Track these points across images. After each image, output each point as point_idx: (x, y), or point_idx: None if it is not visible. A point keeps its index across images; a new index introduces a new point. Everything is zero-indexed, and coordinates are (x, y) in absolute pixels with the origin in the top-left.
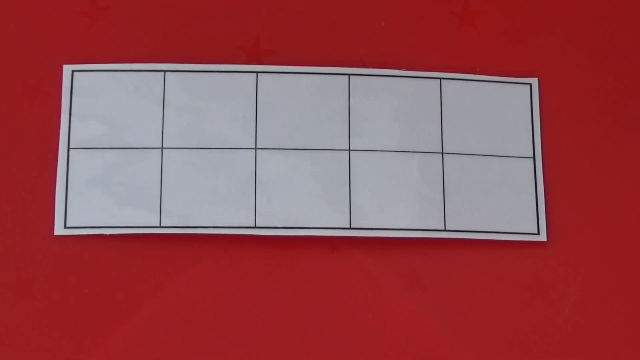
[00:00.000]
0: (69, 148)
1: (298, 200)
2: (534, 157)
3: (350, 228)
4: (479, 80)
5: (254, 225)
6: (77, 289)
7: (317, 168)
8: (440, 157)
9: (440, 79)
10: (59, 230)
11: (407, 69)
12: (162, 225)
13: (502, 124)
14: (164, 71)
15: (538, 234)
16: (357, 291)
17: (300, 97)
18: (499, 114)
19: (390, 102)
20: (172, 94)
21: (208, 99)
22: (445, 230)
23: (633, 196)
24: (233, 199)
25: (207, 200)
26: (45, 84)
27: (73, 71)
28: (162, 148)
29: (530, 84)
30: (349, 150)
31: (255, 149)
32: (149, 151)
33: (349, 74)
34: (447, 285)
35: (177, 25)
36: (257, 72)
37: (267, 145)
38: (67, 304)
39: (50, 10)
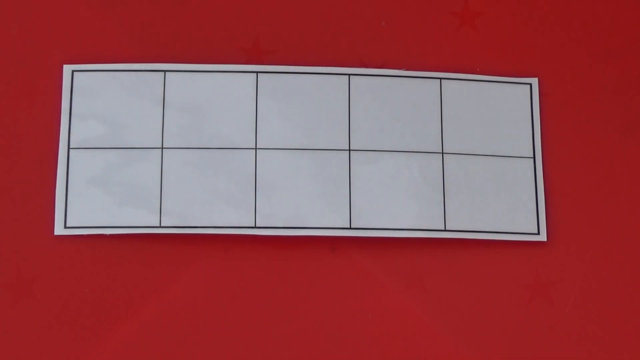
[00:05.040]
0: (69, 148)
1: (298, 200)
2: (534, 157)
3: (350, 228)
4: (479, 80)
5: (254, 225)
6: (77, 289)
7: (317, 168)
8: (440, 157)
9: (440, 79)
10: (59, 230)
11: (407, 69)
12: (162, 225)
13: (502, 124)
14: (164, 71)
15: (538, 234)
16: (357, 291)
17: (300, 97)
18: (499, 114)
19: (390, 102)
20: (172, 94)
21: (208, 99)
22: (445, 230)
23: (633, 196)
24: (233, 199)
25: (207, 200)
26: (45, 84)
27: (73, 71)
28: (162, 148)
29: (530, 84)
30: (349, 150)
31: (255, 149)
32: (149, 151)
33: (349, 74)
34: (447, 285)
35: (177, 25)
36: (257, 72)
37: (267, 145)
38: (67, 304)
39: (50, 10)
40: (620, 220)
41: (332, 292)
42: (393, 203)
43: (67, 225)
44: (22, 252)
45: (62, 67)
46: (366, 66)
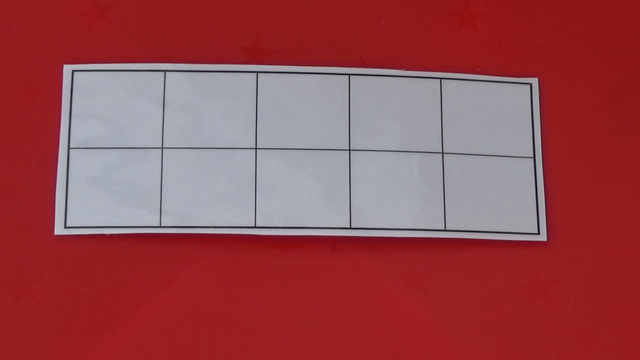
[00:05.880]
0: (69, 148)
1: (298, 200)
2: (534, 157)
3: (350, 228)
4: (479, 80)
5: (254, 225)
6: (77, 289)
7: (317, 168)
8: (440, 157)
9: (440, 79)
10: (59, 230)
11: (407, 69)
12: (162, 225)
13: (502, 124)
14: (164, 71)
15: (538, 234)
16: (357, 291)
17: (300, 97)
18: (499, 114)
19: (390, 102)
20: (172, 94)
21: (208, 99)
22: (445, 230)
23: (633, 196)
24: (233, 199)
25: (207, 200)
26: (45, 84)
27: (73, 71)
28: (162, 148)
29: (530, 84)
30: (349, 150)
31: (255, 149)
32: (149, 151)
33: (349, 74)
34: (447, 285)
35: (178, 25)
36: (257, 72)
37: (267, 145)
38: (67, 304)
39: (50, 10)
40: (620, 220)
41: (332, 292)
42: (393, 203)
43: (67, 225)
44: (22, 252)
45: (62, 67)
46: (366, 66)
